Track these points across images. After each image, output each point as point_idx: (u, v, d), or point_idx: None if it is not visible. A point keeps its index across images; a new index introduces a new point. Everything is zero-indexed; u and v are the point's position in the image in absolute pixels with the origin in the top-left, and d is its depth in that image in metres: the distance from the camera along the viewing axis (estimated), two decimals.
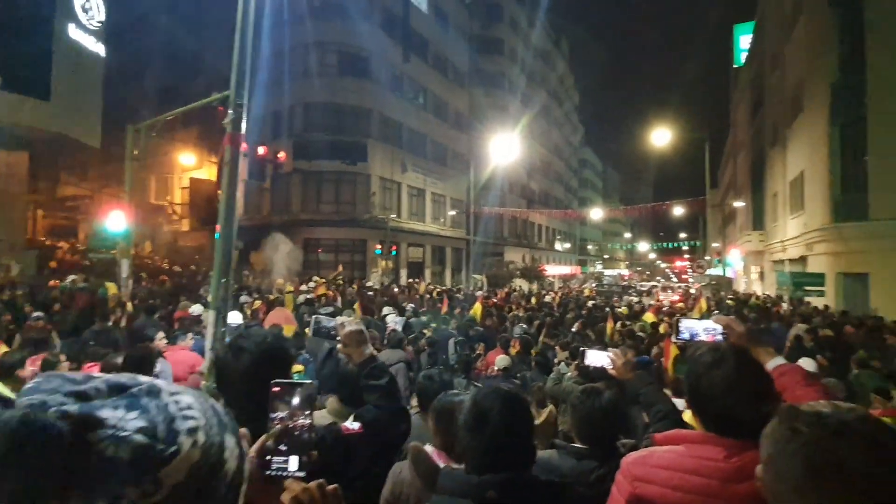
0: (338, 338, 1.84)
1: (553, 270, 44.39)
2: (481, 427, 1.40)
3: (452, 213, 34.76)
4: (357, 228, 26.12)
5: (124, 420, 0.48)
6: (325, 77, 26.21)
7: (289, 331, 8.02)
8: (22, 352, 3.89)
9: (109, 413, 0.48)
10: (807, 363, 6.37)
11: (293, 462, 1.04)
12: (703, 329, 2.07)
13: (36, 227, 24.30)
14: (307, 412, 1.06)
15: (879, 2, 13.50)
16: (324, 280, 17.17)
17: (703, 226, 38.30)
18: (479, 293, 18.52)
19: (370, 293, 16.07)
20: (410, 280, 25.92)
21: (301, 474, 1.03)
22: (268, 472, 1.04)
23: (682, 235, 65.33)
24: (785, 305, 14.77)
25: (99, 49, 17.27)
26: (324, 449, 1.51)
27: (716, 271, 27.46)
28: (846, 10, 14.53)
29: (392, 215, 27.04)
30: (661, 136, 21.20)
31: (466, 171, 31.45)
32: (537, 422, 3.63)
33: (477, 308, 12.22)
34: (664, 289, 35.70)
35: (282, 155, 14.86)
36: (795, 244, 18.45)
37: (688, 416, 2.22)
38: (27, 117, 13.74)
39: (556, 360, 6.90)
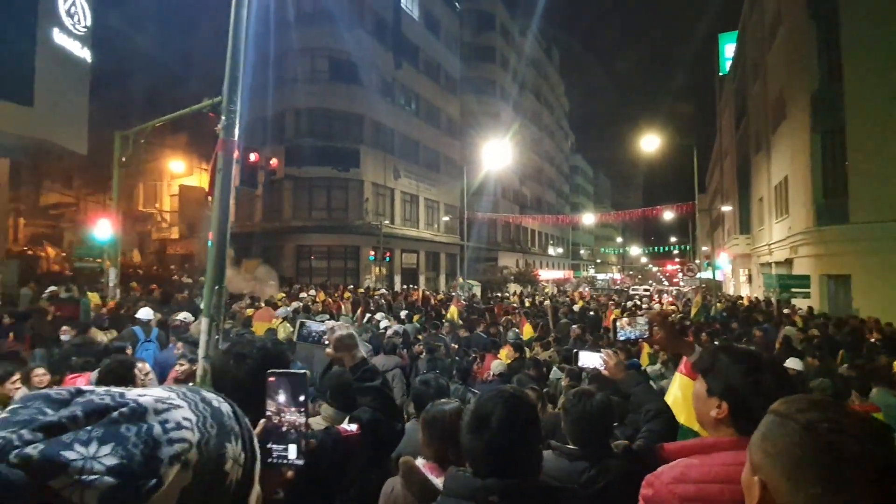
0: (326, 342, 1.82)
1: (547, 275, 44.56)
2: (482, 429, 1.38)
3: (446, 218, 34.79)
4: (350, 235, 26.02)
5: (93, 460, 0.44)
6: (316, 83, 26.19)
7: (261, 329, 8.13)
8: (5, 366, 3.82)
9: (77, 452, 0.44)
10: (794, 363, 6.45)
11: (292, 450, 1.05)
12: (634, 328, 2.41)
13: (17, 235, 23.90)
14: (302, 400, 1.07)
15: (855, 15, 13.86)
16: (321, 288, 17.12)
17: (693, 230, 38.69)
18: (454, 295, 18.64)
19: (373, 299, 16.07)
20: (406, 286, 25.86)
21: (300, 462, 1.05)
22: (269, 460, 1.05)
23: (673, 239, 65.93)
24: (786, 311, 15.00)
25: (85, 54, 17.08)
26: (324, 452, 1.50)
27: (706, 275, 27.70)
28: (824, 22, 14.88)
29: (385, 221, 26.98)
30: (650, 143, 21.39)
31: (459, 176, 31.51)
32: None
33: (453, 310, 12.30)
34: (658, 292, 36.09)
35: (274, 161, 14.76)
36: (781, 247, 18.68)
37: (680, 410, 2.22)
38: (9, 123, 13.38)
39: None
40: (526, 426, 1.41)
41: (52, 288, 13.72)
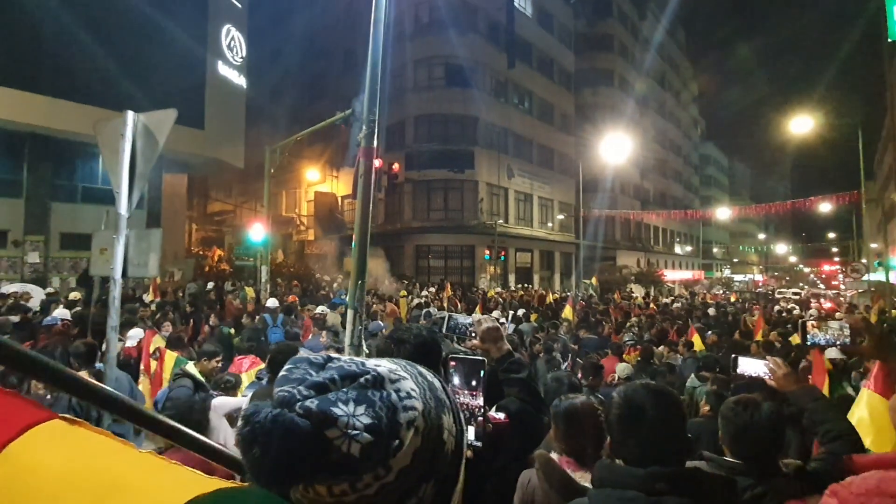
0: (474, 334, 1.94)
1: (673, 275, 41.30)
2: (637, 421, 1.38)
3: (560, 216, 33.93)
4: (465, 235, 26.59)
5: (354, 417, 0.51)
6: (433, 90, 27.18)
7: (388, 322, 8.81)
8: (213, 343, 4.60)
9: (342, 410, 0.51)
10: None
11: (471, 431, 1.13)
12: (829, 331, 2.24)
13: (191, 239, 28.22)
14: (475, 384, 1.14)
15: None
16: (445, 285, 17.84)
17: (858, 224, 33.13)
18: (569, 294, 18.06)
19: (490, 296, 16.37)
20: (521, 285, 25.78)
21: (478, 444, 1.12)
22: None
23: (831, 235, 57.04)
24: None
25: (241, 81, 19.71)
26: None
27: (876, 276, 23.54)
28: None
29: (499, 221, 27.11)
30: (800, 125, 18.79)
31: (574, 173, 30.56)
32: None
33: (567, 311, 11.94)
34: (812, 296, 31.54)
35: (396, 166, 15.69)
36: None
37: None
38: (186, 144, 15.78)
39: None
40: (677, 415, 1.43)
41: (211, 284, 16.05)
